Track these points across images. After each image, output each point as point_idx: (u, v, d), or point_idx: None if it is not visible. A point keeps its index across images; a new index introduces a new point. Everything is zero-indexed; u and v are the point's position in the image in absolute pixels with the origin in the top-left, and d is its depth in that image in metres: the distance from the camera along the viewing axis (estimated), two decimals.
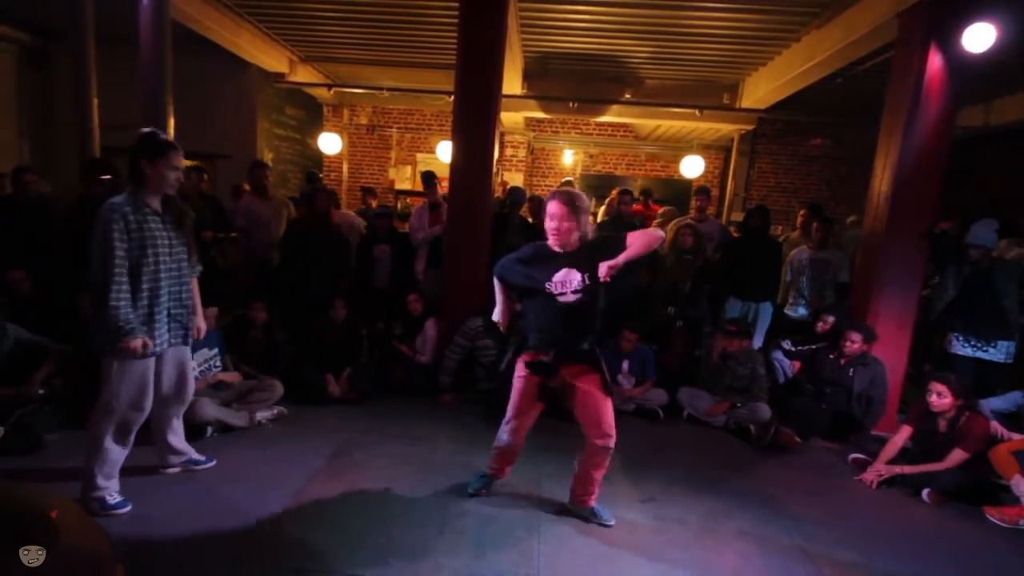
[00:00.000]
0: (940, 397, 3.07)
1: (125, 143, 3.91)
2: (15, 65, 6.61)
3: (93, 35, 4.47)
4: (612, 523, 2.50)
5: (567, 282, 2.29)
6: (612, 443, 2.38)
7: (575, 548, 2.35)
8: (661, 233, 2.39)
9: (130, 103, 3.86)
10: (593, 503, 2.55)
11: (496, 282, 2.52)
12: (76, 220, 4.02)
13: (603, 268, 2.15)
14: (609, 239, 2.32)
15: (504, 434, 2.57)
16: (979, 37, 3.47)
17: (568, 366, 2.37)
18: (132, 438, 2.43)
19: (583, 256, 2.29)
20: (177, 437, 2.72)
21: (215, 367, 3.42)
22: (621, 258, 2.16)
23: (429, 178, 4.87)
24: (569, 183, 4.68)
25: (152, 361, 2.38)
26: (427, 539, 2.34)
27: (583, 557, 2.29)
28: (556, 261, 2.33)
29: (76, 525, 0.49)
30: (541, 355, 2.37)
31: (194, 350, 3.25)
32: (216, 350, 3.45)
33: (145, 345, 2.27)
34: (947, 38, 3.61)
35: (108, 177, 4.05)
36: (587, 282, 2.27)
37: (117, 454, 2.40)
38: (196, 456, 2.78)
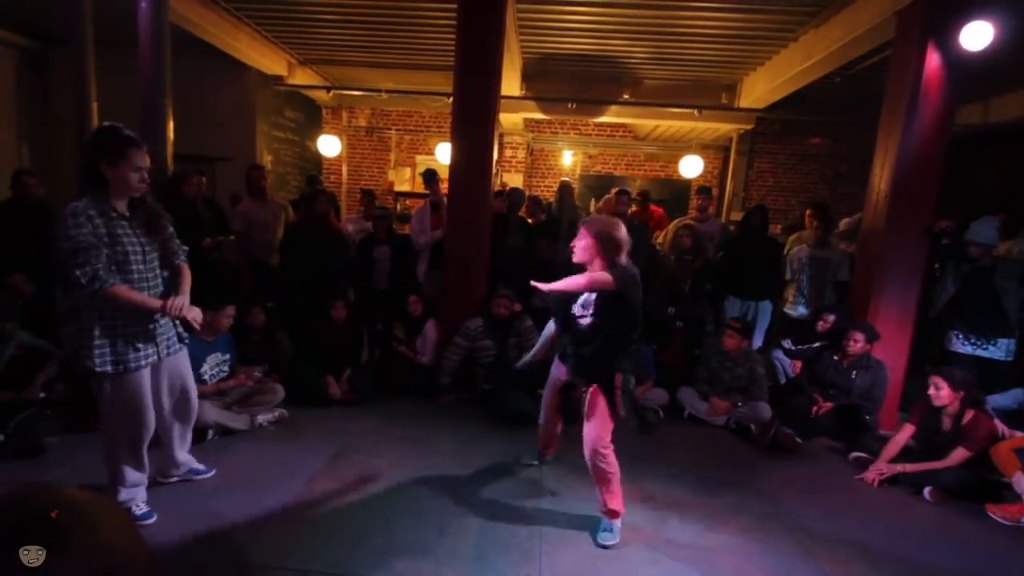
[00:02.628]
0: (937, 390, 3.07)
1: None
2: (15, 69, 6.62)
3: (92, 39, 4.47)
4: (606, 544, 2.37)
5: (585, 303, 2.36)
6: (598, 462, 2.34)
7: (576, 548, 2.35)
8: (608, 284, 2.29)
9: (129, 106, 3.86)
10: (602, 515, 2.47)
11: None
12: None
13: (546, 285, 2.24)
14: (627, 309, 2.29)
15: (540, 419, 2.85)
16: (977, 35, 3.48)
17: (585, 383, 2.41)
18: (145, 456, 2.34)
19: (601, 299, 2.31)
20: (183, 451, 2.66)
21: (223, 372, 3.42)
22: (560, 285, 2.24)
23: (430, 176, 4.83)
24: (567, 184, 4.67)
25: (146, 374, 2.21)
26: (428, 539, 2.34)
27: (584, 557, 2.29)
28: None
29: (114, 523, 0.50)
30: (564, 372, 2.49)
31: (208, 353, 3.26)
32: (228, 355, 3.44)
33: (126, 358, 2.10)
34: (945, 36, 3.61)
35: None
36: (590, 309, 2.33)
37: (135, 476, 2.33)
38: (197, 466, 2.74)
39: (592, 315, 2.33)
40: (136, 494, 2.34)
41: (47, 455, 2.86)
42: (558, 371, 2.64)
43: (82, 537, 0.46)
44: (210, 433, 3.15)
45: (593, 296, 2.32)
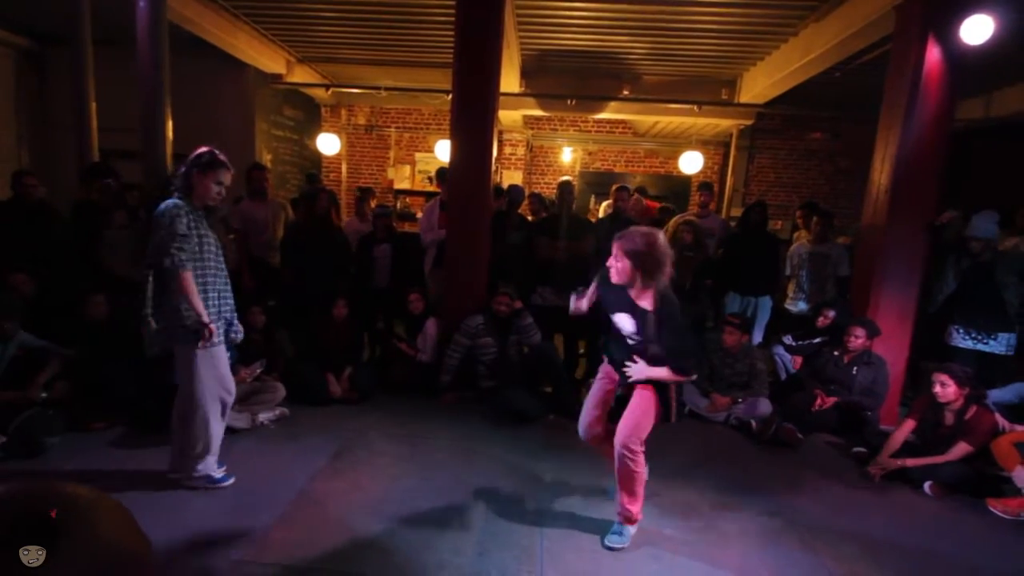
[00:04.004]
0: (944, 387, 3.06)
1: (124, 146, 3.89)
2: (13, 69, 6.61)
3: (90, 38, 4.47)
4: (613, 547, 2.32)
5: (623, 324, 2.30)
6: (627, 458, 2.26)
7: (578, 545, 2.36)
8: (679, 379, 2.27)
9: (128, 106, 3.86)
10: (617, 516, 2.41)
11: (593, 287, 2.47)
12: (77, 224, 4.04)
13: (636, 373, 2.23)
14: (677, 334, 2.21)
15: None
16: (977, 29, 3.46)
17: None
18: (226, 416, 2.67)
19: (645, 313, 2.19)
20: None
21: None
22: (649, 372, 2.21)
23: (442, 175, 4.87)
24: (567, 182, 4.65)
25: (221, 348, 2.56)
26: (430, 537, 2.35)
27: (586, 554, 2.30)
28: (622, 300, 2.26)
29: (111, 519, 0.50)
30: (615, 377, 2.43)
31: None
32: (229, 353, 3.44)
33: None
34: (945, 30, 3.60)
35: (108, 181, 4.06)
36: (639, 336, 2.25)
37: (220, 433, 2.62)
38: (216, 474, 2.72)
39: (639, 339, 2.25)
40: (212, 460, 2.61)
41: (49, 455, 2.86)
42: (607, 371, 2.52)
43: (83, 534, 0.46)
44: None
45: (632, 323, 2.23)
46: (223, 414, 2.65)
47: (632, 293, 2.22)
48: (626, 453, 2.26)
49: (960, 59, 3.68)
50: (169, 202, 2.39)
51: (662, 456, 3.27)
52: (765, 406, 3.74)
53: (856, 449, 3.44)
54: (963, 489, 2.99)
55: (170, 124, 3.86)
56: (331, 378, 3.81)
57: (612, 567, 2.23)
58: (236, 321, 2.69)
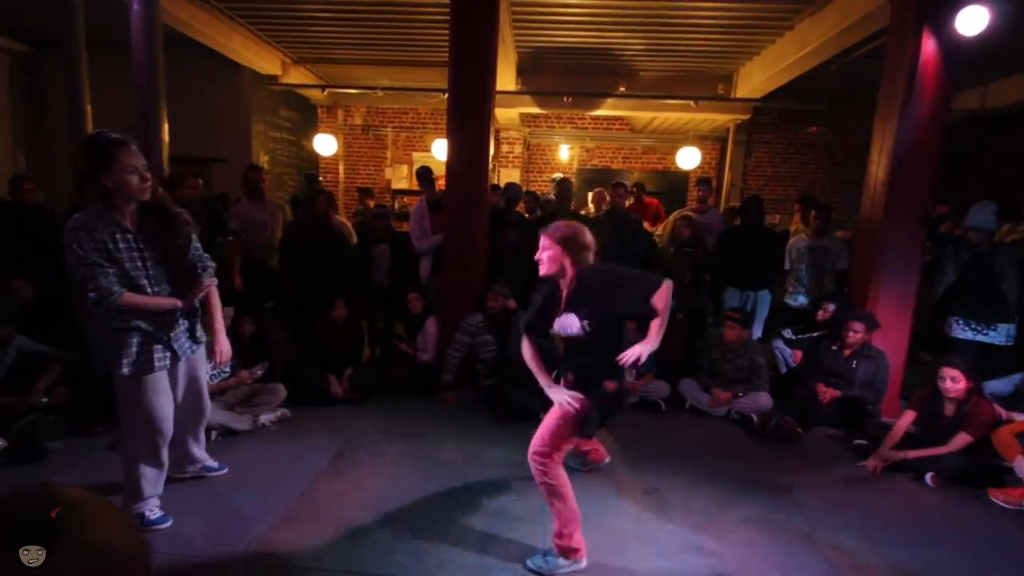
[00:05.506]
0: (955, 383, 3.05)
1: None
2: (8, 74, 6.59)
3: (84, 42, 4.46)
4: (530, 568, 2.17)
5: (567, 327, 2.13)
6: (535, 468, 2.13)
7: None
8: (668, 289, 2.10)
9: (124, 109, 3.85)
10: (552, 539, 2.19)
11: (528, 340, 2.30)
12: None
13: (630, 355, 2.06)
14: (627, 285, 2.08)
15: None
16: (972, 20, 3.46)
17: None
18: (165, 457, 2.33)
19: (583, 298, 2.09)
20: (198, 448, 2.71)
21: (224, 372, 3.42)
22: (647, 348, 2.06)
23: (424, 175, 4.66)
24: (564, 179, 4.64)
25: (163, 376, 2.23)
26: (433, 535, 2.35)
27: (589, 550, 2.29)
28: (556, 301, 2.17)
29: (108, 521, 0.50)
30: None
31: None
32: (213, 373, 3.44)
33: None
34: (940, 22, 3.59)
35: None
36: (587, 329, 2.07)
37: (152, 480, 2.30)
38: (211, 463, 2.77)
39: (587, 326, 2.09)
40: (151, 501, 2.31)
41: (50, 459, 2.86)
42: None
43: (81, 537, 0.46)
44: (213, 434, 3.15)
45: (575, 320, 2.09)
46: (158, 453, 2.28)
47: (563, 286, 2.17)
48: (535, 464, 2.14)
49: (956, 51, 3.67)
50: (68, 225, 1.97)
51: (664, 451, 3.29)
52: (766, 400, 3.74)
53: (857, 442, 3.44)
54: (964, 480, 2.99)
55: (166, 127, 3.85)
56: (332, 379, 3.81)
57: (615, 561, 2.24)
58: (196, 332, 2.34)
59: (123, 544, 0.50)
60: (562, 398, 2.13)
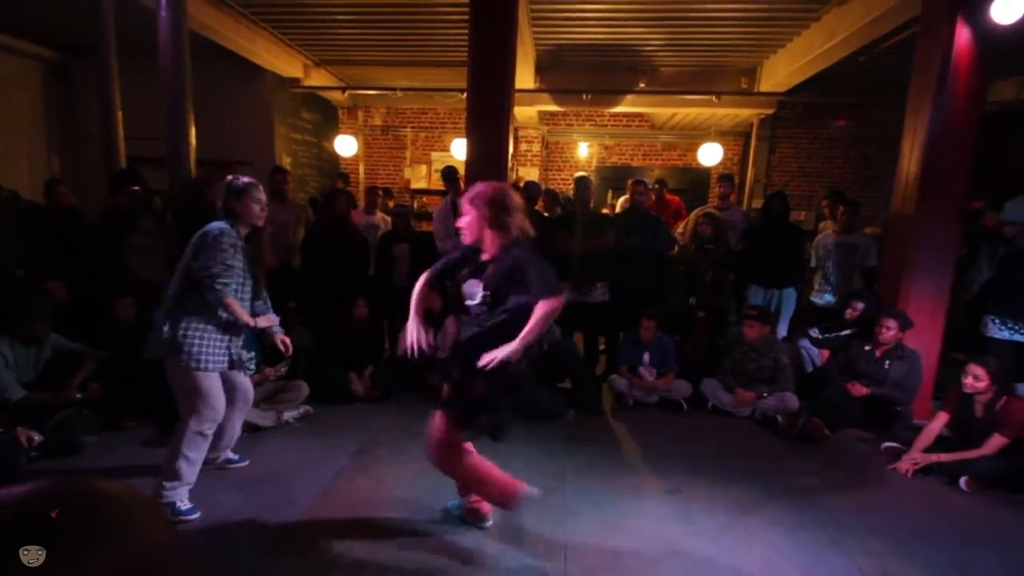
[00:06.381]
0: (976, 380, 2.96)
1: (150, 153, 3.98)
2: (41, 80, 6.82)
3: (115, 49, 4.59)
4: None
5: (470, 293, 2.09)
6: (431, 458, 2.20)
7: (602, 541, 2.35)
8: (557, 305, 1.99)
9: (153, 113, 3.95)
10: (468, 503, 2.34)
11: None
12: (105, 229, 4.16)
13: (485, 359, 1.96)
14: (533, 277, 1.98)
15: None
16: (1008, 8, 3.33)
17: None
18: (207, 445, 2.52)
19: (495, 271, 2.04)
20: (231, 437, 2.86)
21: (250, 369, 3.48)
22: (506, 351, 1.93)
23: (449, 175, 4.69)
24: (583, 177, 4.61)
25: (217, 376, 2.50)
26: (454, 533, 2.36)
27: (610, 550, 2.29)
28: (472, 268, 2.13)
29: (147, 520, 0.50)
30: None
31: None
32: (253, 353, 3.51)
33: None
34: (974, 10, 3.47)
35: (135, 188, 4.16)
36: (487, 301, 2.05)
37: (194, 460, 2.47)
38: (232, 455, 2.89)
39: (483, 303, 2.06)
40: (182, 491, 2.44)
41: (85, 453, 2.96)
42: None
43: (115, 530, 0.47)
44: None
45: (480, 288, 2.06)
46: (205, 443, 2.50)
47: (485, 253, 2.09)
48: (434, 453, 2.19)
49: (991, 40, 3.54)
50: (217, 230, 2.41)
51: (687, 452, 3.24)
52: (791, 400, 3.67)
53: (887, 444, 3.35)
54: (1000, 484, 2.89)
55: (193, 131, 3.94)
56: (354, 377, 3.86)
57: (635, 563, 2.22)
58: (245, 356, 2.64)
59: (156, 536, 0.50)
60: (411, 329, 2.15)
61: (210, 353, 2.42)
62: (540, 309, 1.98)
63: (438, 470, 2.25)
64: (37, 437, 2.82)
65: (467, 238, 2.09)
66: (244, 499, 2.57)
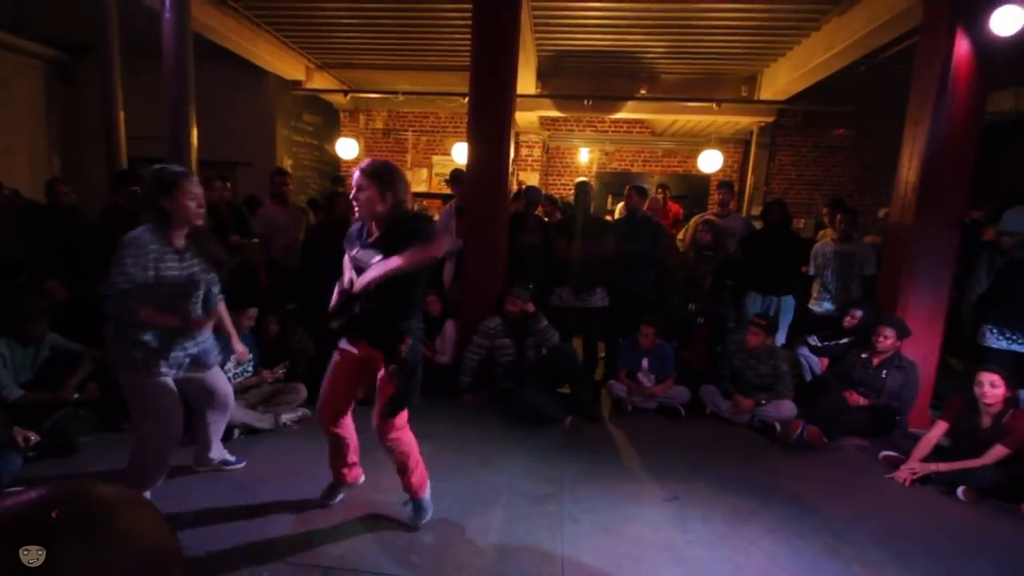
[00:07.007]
0: (994, 387, 2.94)
1: (151, 153, 4.00)
2: (44, 80, 6.84)
3: (118, 49, 4.60)
4: (419, 524, 2.38)
5: (364, 261, 2.13)
6: (385, 440, 2.24)
7: (599, 548, 2.34)
8: (438, 253, 2.17)
9: (155, 114, 3.96)
10: (410, 495, 2.42)
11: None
12: (105, 229, 4.16)
13: (360, 282, 2.03)
14: (416, 236, 2.07)
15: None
16: (1008, 20, 3.36)
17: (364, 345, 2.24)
18: (168, 457, 2.40)
19: (386, 239, 2.11)
20: (216, 446, 2.83)
21: (247, 372, 3.49)
22: (372, 274, 2.01)
23: (458, 177, 4.65)
24: (583, 182, 4.62)
25: (169, 381, 2.32)
26: (450, 538, 2.35)
27: (607, 557, 2.28)
28: (365, 239, 2.18)
29: (143, 518, 0.50)
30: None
31: (232, 352, 3.33)
32: (251, 355, 3.51)
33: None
34: (974, 21, 3.50)
35: (136, 188, 4.17)
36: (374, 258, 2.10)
37: (154, 471, 2.40)
38: (228, 457, 2.88)
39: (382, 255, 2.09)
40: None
41: (81, 453, 2.95)
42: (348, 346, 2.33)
43: (113, 532, 0.47)
44: (236, 432, 3.21)
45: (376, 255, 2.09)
46: (162, 458, 2.37)
47: (374, 226, 2.16)
48: (385, 440, 2.27)
49: (990, 51, 3.56)
50: (128, 238, 2.14)
51: (684, 458, 3.24)
52: (789, 408, 3.67)
53: (884, 453, 3.34)
54: (997, 494, 2.89)
55: (195, 132, 3.94)
56: None
57: (633, 570, 2.21)
58: (207, 351, 2.45)
59: (158, 539, 0.50)
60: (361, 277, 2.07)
61: (152, 360, 2.21)
62: (415, 251, 2.04)
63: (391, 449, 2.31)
64: (34, 437, 2.81)
65: (363, 211, 2.13)
66: (239, 502, 2.56)
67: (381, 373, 2.24)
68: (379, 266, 2.03)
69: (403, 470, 2.38)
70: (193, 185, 2.22)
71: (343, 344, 2.33)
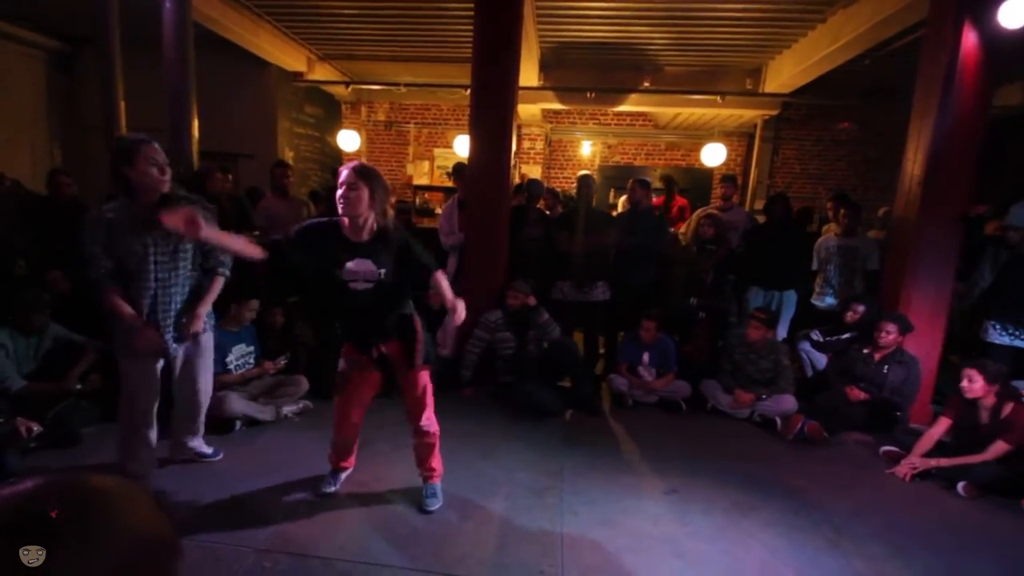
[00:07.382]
0: (971, 382, 2.96)
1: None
2: (44, 70, 6.81)
3: (118, 39, 4.57)
4: (433, 508, 2.49)
5: (361, 272, 2.17)
6: (419, 421, 2.46)
7: (599, 540, 2.35)
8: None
9: (156, 105, 3.95)
10: (433, 479, 2.57)
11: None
12: None
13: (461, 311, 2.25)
14: (420, 257, 2.27)
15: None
16: (1015, 13, 3.32)
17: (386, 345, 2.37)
18: (148, 437, 2.51)
19: (380, 249, 2.18)
20: (192, 438, 2.81)
21: (248, 363, 3.50)
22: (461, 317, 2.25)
23: (461, 171, 4.68)
24: (586, 176, 4.59)
25: (147, 362, 2.39)
26: (451, 530, 2.36)
27: (607, 549, 2.29)
28: (351, 249, 2.18)
29: (140, 509, 0.50)
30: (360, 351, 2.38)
31: (233, 344, 3.36)
32: (252, 347, 3.53)
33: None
34: (982, 14, 3.46)
35: None
36: (384, 278, 2.19)
37: (136, 451, 2.48)
38: (205, 449, 2.86)
39: (380, 268, 2.18)
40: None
41: (83, 444, 2.97)
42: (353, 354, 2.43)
43: (109, 523, 0.46)
44: (237, 424, 3.23)
45: (372, 265, 2.16)
46: (146, 427, 2.47)
47: (349, 231, 2.17)
48: (430, 428, 2.49)
49: (998, 44, 3.53)
50: (91, 212, 2.15)
51: (685, 452, 3.25)
52: (790, 403, 3.67)
53: (885, 448, 3.35)
54: (998, 489, 2.89)
55: (196, 123, 3.93)
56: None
57: (633, 562, 2.22)
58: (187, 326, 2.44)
59: (156, 530, 0.50)
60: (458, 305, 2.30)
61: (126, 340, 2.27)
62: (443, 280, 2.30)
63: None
64: (36, 427, 2.82)
65: (350, 210, 2.11)
66: (241, 493, 2.57)
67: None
68: (459, 314, 2.26)
69: (429, 453, 2.53)
70: (154, 151, 2.16)
71: (354, 354, 2.43)
